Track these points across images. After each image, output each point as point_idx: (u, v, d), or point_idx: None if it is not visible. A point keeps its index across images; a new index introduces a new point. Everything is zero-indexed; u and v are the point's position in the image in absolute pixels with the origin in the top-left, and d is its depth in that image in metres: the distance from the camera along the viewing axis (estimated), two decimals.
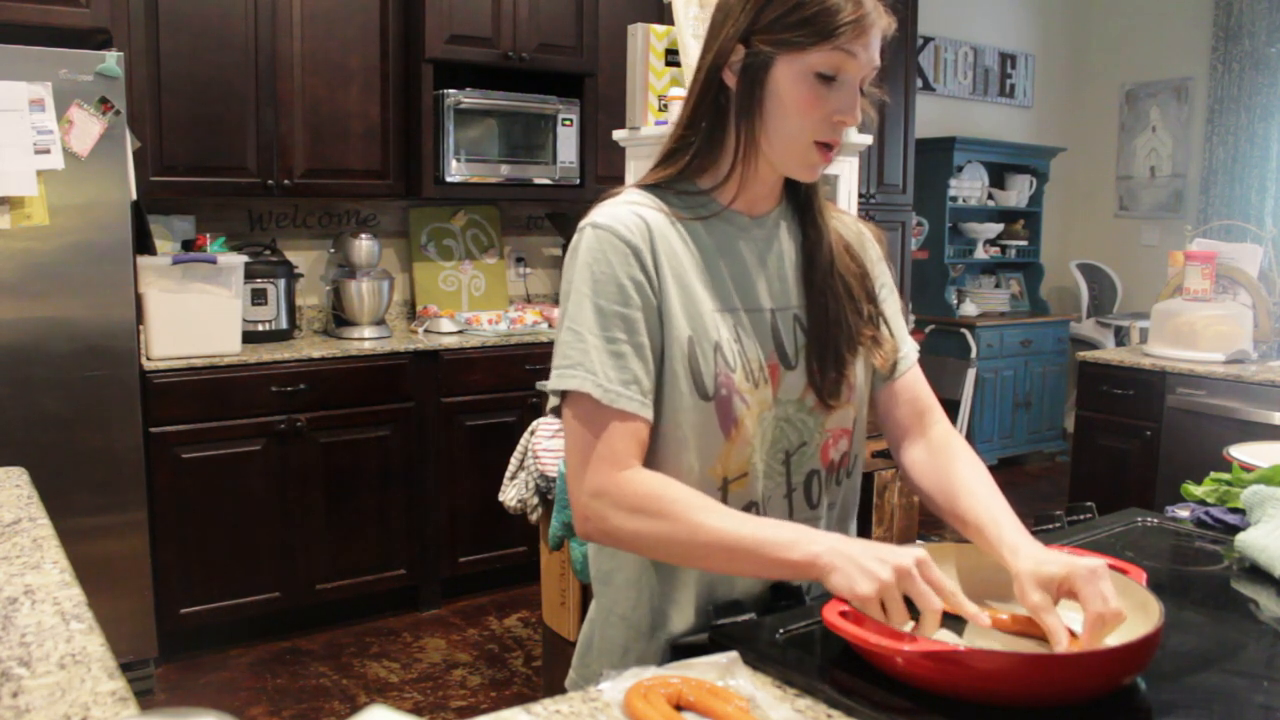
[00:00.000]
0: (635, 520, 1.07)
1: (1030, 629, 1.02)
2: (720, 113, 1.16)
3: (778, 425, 1.18)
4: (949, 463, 1.22)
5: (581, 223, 1.15)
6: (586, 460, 1.10)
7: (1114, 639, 0.95)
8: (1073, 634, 0.98)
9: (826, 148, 1.13)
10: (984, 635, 1.00)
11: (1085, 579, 0.97)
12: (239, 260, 3.31)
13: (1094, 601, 0.96)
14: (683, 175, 1.19)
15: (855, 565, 0.97)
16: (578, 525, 1.13)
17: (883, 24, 1.11)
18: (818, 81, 1.09)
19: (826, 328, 1.19)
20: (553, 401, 1.15)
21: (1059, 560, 1.01)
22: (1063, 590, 1.00)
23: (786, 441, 1.19)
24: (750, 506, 1.17)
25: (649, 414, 1.11)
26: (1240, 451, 1.74)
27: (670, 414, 1.13)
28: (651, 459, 1.13)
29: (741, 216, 1.20)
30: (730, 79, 1.14)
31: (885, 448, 1.31)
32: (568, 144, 4.01)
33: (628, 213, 1.13)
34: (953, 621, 0.99)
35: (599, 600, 1.25)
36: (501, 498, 2.65)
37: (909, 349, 1.30)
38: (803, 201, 1.24)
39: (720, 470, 1.15)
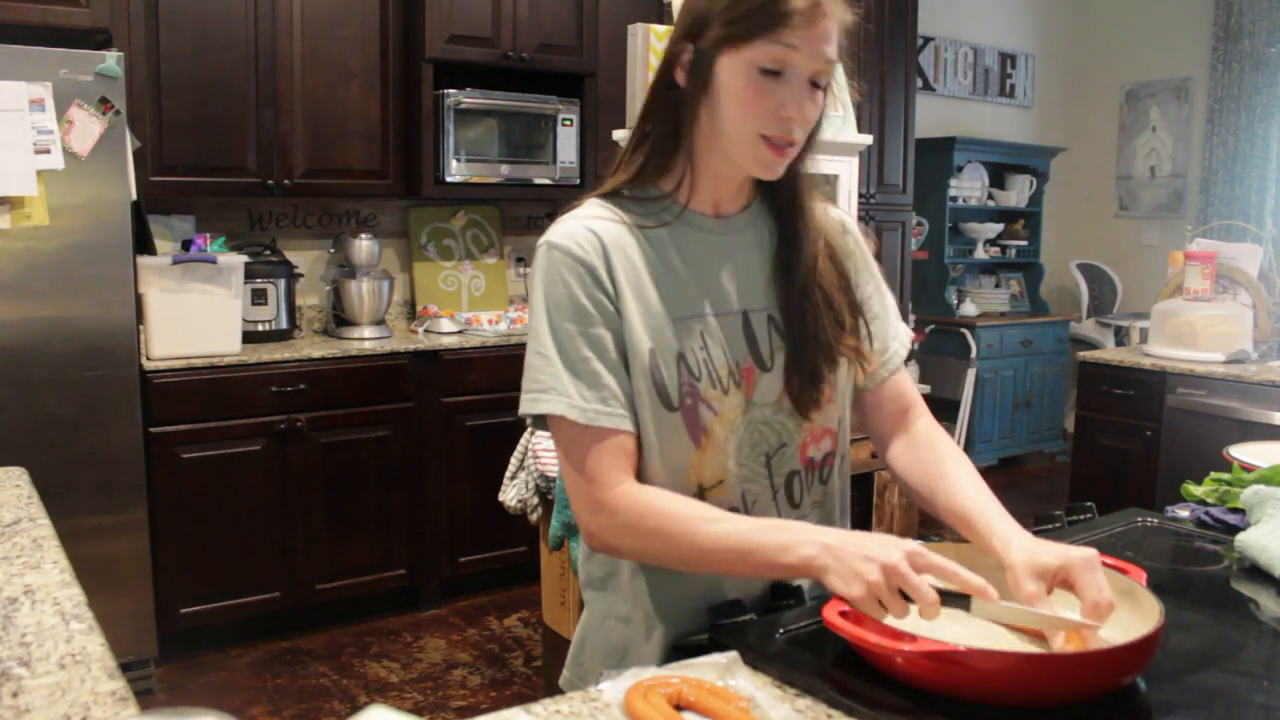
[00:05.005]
0: (634, 537, 1.09)
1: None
2: (673, 112, 1.14)
3: (754, 428, 1.16)
4: (934, 457, 1.22)
5: (540, 240, 1.15)
6: (579, 481, 1.11)
7: (1114, 638, 0.95)
8: (1072, 630, 0.98)
9: (778, 145, 1.10)
10: (987, 627, 1.00)
11: (1081, 568, 0.98)
12: (239, 260, 3.31)
13: (1090, 590, 0.97)
14: (642, 177, 1.18)
15: (846, 566, 0.97)
16: (586, 540, 1.14)
17: (837, 14, 1.08)
18: (761, 76, 1.07)
19: (804, 341, 1.17)
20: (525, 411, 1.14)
21: (1053, 550, 1.01)
22: (1057, 580, 1.00)
23: (765, 444, 1.18)
24: (733, 511, 1.16)
25: (631, 425, 1.11)
26: (1240, 451, 1.74)
27: (639, 426, 1.12)
28: None
29: (705, 218, 1.18)
30: (681, 77, 1.13)
31: None
32: (568, 144, 4.01)
33: (580, 229, 1.13)
34: (958, 599, 0.99)
35: (593, 605, 1.25)
36: (501, 498, 2.65)
37: (897, 347, 1.28)
38: (783, 203, 1.21)
39: (694, 478, 1.15)
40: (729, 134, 1.11)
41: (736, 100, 1.08)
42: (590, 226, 1.13)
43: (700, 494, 1.15)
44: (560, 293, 1.11)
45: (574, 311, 1.10)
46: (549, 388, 1.09)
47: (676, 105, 1.14)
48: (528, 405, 1.11)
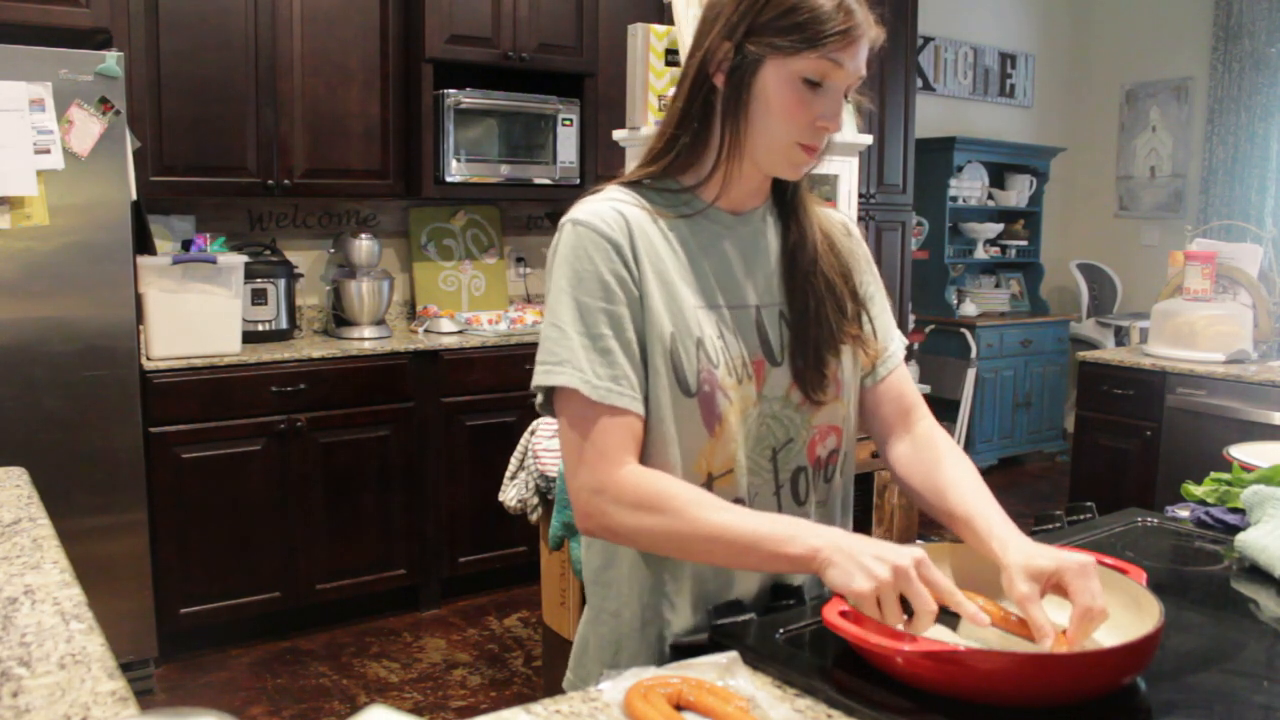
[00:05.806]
0: (636, 516, 1.08)
1: (1027, 630, 1.02)
2: (707, 112, 1.16)
3: (763, 422, 1.18)
4: (936, 459, 1.22)
5: (562, 219, 1.15)
6: (582, 458, 1.10)
7: (1112, 639, 0.95)
8: (1062, 633, 0.98)
9: (811, 149, 1.13)
10: (980, 633, 1.00)
11: (1076, 573, 0.99)
12: (239, 260, 3.31)
13: (1083, 596, 0.97)
14: (666, 173, 1.19)
15: (854, 562, 0.97)
16: (579, 521, 1.13)
17: (871, 35, 1.11)
18: (804, 86, 1.10)
19: (807, 325, 1.19)
20: (539, 398, 1.15)
21: (1049, 554, 1.02)
22: (1050, 583, 1.01)
23: (773, 438, 1.18)
24: (736, 503, 1.16)
25: (640, 408, 1.11)
26: (1240, 451, 1.74)
27: (654, 410, 1.12)
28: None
29: (725, 214, 1.20)
30: (718, 79, 1.14)
31: None
32: (568, 144, 4.01)
33: (608, 209, 1.14)
34: (948, 617, 0.99)
35: (591, 599, 1.25)
36: (501, 498, 2.65)
37: (895, 348, 1.30)
38: (786, 197, 1.24)
39: (705, 466, 1.15)
40: (765, 139, 1.13)
41: (778, 109, 1.11)
42: (616, 208, 1.14)
43: (709, 483, 1.15)
44: (585, 267, 1.11)
45: (597, 286, 1.10)
46: (563, 360, 1.09)
47: (710, 104, 1.15)
48: (540, 377, 1.11)
